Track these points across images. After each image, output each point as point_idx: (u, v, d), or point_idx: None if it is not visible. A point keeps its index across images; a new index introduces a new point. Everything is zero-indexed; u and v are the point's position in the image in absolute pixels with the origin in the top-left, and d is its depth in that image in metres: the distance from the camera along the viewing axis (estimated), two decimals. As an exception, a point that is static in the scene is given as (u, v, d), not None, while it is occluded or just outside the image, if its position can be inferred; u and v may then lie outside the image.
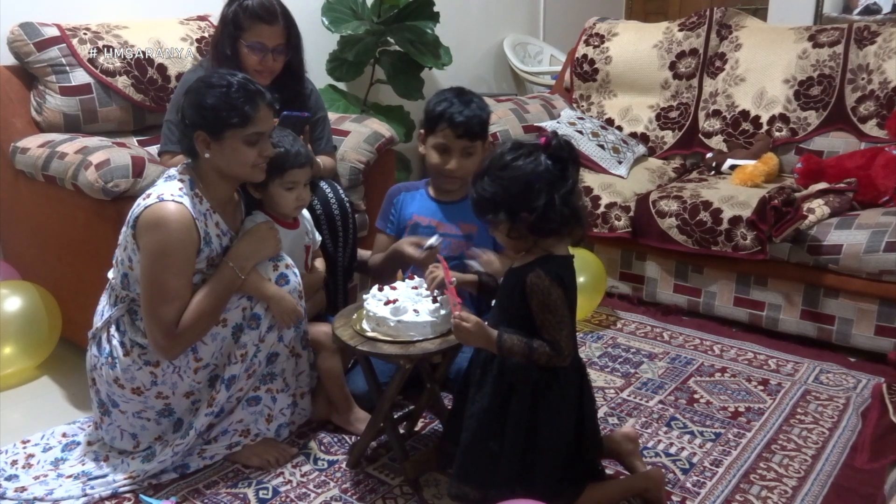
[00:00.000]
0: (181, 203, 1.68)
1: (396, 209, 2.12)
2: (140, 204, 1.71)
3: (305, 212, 2.09)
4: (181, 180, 1.74)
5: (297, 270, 1.85)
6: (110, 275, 1.83)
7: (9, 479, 1.79)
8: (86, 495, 1.72)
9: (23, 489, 1.74)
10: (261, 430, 1.86)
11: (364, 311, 1.75)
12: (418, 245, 1.93)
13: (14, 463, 1.86)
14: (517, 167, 1.48)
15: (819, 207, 2.46)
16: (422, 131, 2.05)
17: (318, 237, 2.14)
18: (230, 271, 1.73)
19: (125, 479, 1.77)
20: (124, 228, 1.75)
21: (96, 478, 1.78)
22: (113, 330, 1.78)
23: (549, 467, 1.54)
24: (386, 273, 1.99)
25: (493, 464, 1.53)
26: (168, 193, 1.69)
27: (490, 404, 1.54)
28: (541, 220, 1.47)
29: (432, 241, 1.91)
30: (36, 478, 1.79)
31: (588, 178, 2.93)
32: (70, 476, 1.80)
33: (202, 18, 2.82)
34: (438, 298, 1.74)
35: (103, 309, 1.83)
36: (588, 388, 1.63)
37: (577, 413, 1.58)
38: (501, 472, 1.53)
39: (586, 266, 2.54)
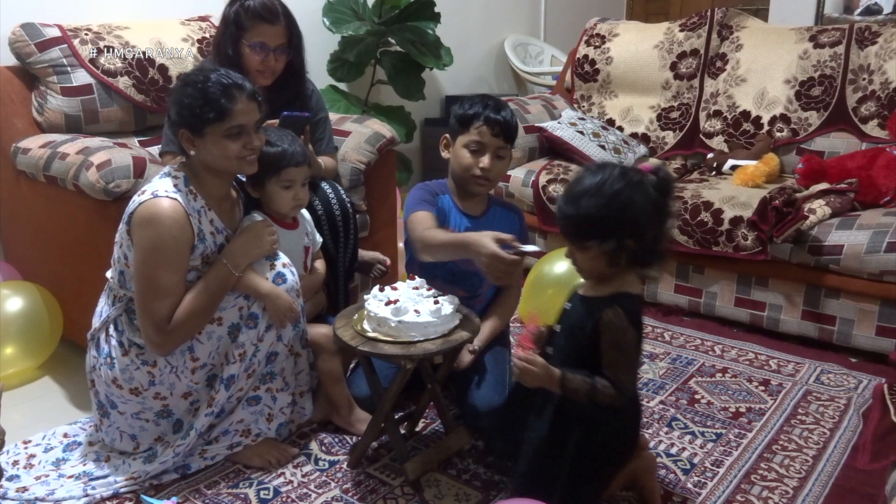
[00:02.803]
0: (175, 199, 1.69)
1: (437, 205, 1.99)
2: (135, 200, 1.71)
3: (306, 213, 2.09)
4: (175, 177, 1.74)
5: (294, 269, 1.85)
6: (108, 274, 1.83)
7: (10, 479, 1.79)
8: (87, 495, 1.72)
9: (24, 489, 1.74)
10: (261, 429, 1.86)
11: (365, 312, 1.75)
12: (501, 242, 1.65)
13: (15, 463, 1.86)
14: (633, 195, 1.43)
15: (820, 208, 2.46)
16: (446, 136, 2.01)
17: (319, 239, 2.13)
18: (224, 268, 1.73)
19: (126, 479, 1.76)
20: (120, 226, 1.75)
21: (98, 478, 1.78)
22: (111, 330, 1.78)
23: (595, 493, 1.58)
24: (437, 253, 1.83)
25: (548, 488, 1.53)
26: (162, 190, 1.69)
27: (549, 432, 1.54)
28: (646, 252, 1.46)
29: (531, 248, 1.67)
30: (37, 478, 1.79)
31: (589, 179, 2.93)
32: (71, 476, 1.80)
33: (203, 19, 2.83)
34: (440, 299, 1.74)
35: (102, 309, 1.83)
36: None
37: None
38: (553, 494, 1.53)
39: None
